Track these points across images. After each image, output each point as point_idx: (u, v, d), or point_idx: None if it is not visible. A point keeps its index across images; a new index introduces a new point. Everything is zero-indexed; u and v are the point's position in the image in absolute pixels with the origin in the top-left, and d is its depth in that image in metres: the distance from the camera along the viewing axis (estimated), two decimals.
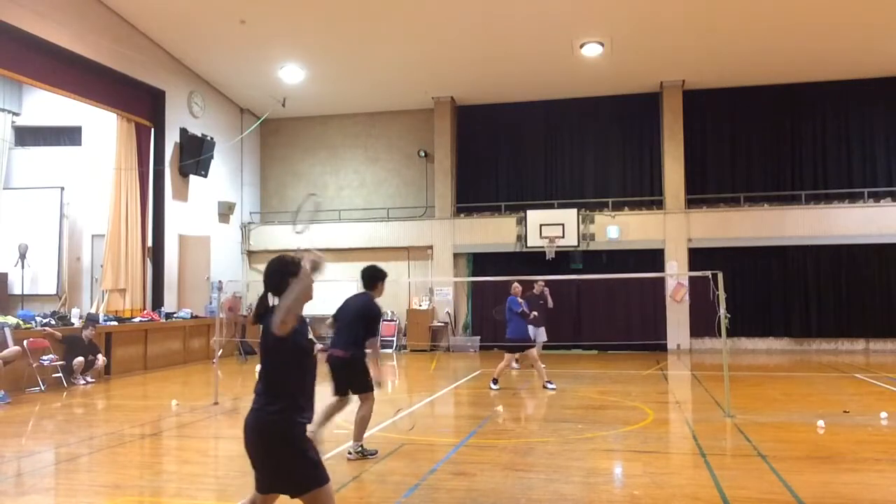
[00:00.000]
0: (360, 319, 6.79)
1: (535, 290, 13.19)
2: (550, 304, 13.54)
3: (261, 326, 3.43)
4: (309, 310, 3.38)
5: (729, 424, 7.97)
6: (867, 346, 17.16)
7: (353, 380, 6.61)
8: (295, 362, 3.38)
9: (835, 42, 15.86)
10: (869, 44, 15.90)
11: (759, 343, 17.59)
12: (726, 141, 18.47)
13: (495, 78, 18.00)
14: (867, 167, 17.84)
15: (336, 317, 6.95)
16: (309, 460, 3.31)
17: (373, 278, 7.02)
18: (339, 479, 5.77)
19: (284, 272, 3.49)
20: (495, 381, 10.90)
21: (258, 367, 3.49)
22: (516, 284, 11.22)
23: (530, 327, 12.67)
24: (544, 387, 10.93)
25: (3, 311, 14.59)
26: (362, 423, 6.60)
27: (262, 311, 3.48)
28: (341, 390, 6.61)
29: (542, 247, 17.66)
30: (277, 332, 3.25)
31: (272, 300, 3.44)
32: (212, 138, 17.97)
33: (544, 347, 14.26)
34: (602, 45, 16.02)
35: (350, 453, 6.52)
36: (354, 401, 6.60)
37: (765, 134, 18.26)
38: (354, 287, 21.98)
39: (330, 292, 19.04)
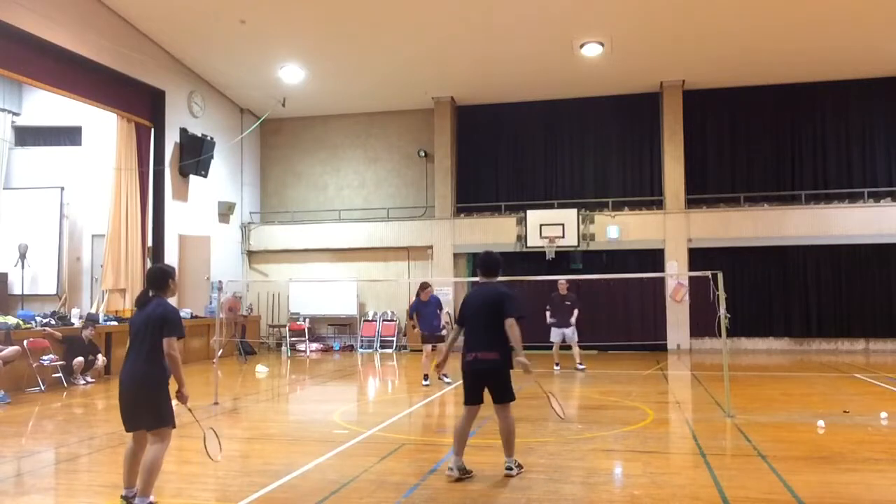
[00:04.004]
0: (497, 309, 5.80)
1: (560, 291, 13.58)
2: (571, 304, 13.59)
3: (145, 311, 4.96)
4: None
5: (729, 424, 7.97)
6: (867, 346, 17.16)
7: (498, 386, 5.86)
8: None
9: (835, 42, 15.85)
10: (869, 44, 15.90)
11: (759, 343, 17.59)
12: (726, 141, 18.47)
13: (495, 78, 17.99)
14: (867, 167, 17.83)
15: (463, 317, 6.09)
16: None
17: (497, 264, 6.16)
18: (338, 479, 5.77)
19: (166, 276, 5.11)
20: (426, 378, 11.65)
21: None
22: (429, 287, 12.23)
23: (554, 329, 13.61)
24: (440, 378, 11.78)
25: (3, 311, 14.58)
26: (509, 438, 5.88)
27: (144, 301, 5.02)
28: (477, 398, 5.92)
29: (542, 247, 17.66)
30: (169, 348, 4.90)
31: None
32: (212, 138, 17.97)
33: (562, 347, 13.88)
34: (602, 45, 16.02)
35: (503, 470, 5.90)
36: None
37: (765, 134, 18.27)
38: (354, 287, 21.86)
39: (330, 292, 19.16)
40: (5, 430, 8.31)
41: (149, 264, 16.33)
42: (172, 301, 5.30)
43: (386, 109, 20.30)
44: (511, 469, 5.82)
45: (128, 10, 15.10)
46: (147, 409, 4.86)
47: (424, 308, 11.85)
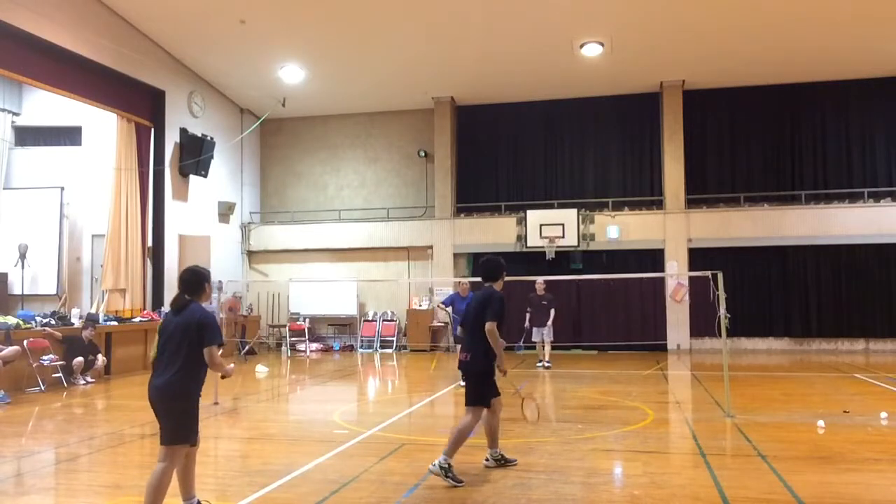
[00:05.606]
0: (480, 313, 5.91)
1: (537, 291, 13.90)
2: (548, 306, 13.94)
3: (180, 316, 4.59)
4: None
5: (729, 424, 7.97)
6: (867, 346, 17.15)
7: (469, 387, 6.01)
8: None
9: (835, 42, 15.85)
10: (869, 44, 15.89)
11: (759, 343, 17.59)
12: (726, 141, 18.47)
13: (495, 78, 17.99)
14: (867, 167, 17.83)
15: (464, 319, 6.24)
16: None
17: (496, 269, 6.22)
18: (338, 478, 5.77)
19: (202, 280, 4.75)
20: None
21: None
22: (465, 284, 12.06)
23: (535, 329, 13.98)
24: None
25: (3, 311, 14.58)
26: (456, 437, 5.76)
27: (181, 306, 4.62)
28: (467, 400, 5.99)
29: (542, 247, 17.66)
30: (211, 357, 4.55)
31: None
32: (212, 138, 17.97)
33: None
34: (602, 45, 16.01)
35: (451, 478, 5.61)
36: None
37: (765, 134, 18.27)
38: (354, 287, 21.93)
39: (330, 292, 19.16)
40: (5, 430, 8.30)
41: (149, 264, 16.36)
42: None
43: (386, 109, 20.29)
44: (434, 466, 5.61)
45: (128, 10, 15.10)
46: (166, 422, 4.59)
47: (461, 304, 10.89)
